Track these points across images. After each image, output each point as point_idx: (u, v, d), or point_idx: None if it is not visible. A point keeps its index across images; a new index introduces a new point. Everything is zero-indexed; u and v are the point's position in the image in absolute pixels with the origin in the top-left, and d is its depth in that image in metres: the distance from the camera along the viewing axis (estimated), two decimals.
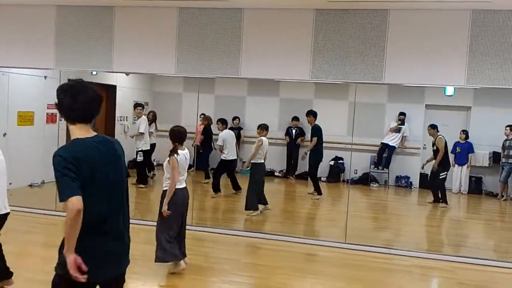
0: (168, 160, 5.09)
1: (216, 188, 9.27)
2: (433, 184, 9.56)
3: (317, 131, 9.44)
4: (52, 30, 7.15)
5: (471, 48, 6.02)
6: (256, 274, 5.39)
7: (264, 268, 5.59)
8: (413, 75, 6.20)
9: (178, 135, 5.25)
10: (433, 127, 9.55)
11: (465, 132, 10.51)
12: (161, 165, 11.33)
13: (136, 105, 10.10)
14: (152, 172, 10.73)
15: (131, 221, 2.87)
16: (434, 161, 9.42)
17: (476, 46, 6.01)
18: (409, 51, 6.17)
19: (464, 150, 10.44)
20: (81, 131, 2.64)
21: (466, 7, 5.95)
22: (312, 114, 9.58)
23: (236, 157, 9.43)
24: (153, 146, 10.44)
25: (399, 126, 11.15)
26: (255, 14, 6.55)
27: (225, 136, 9.16)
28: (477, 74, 6.02)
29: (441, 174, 9.30)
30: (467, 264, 6.07)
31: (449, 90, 10.15)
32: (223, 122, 9.64)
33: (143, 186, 9.83)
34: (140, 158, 9.60)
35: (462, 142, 10.46)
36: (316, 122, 9.54)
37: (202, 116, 10.74)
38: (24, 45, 7.25)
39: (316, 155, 9.54)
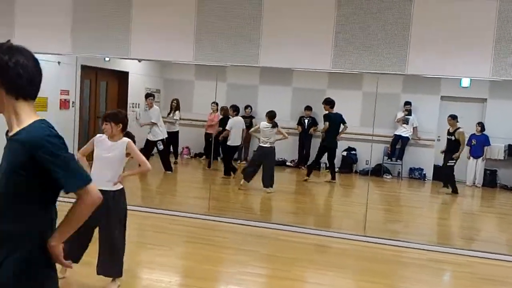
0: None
1: (229, 171, 9.84)
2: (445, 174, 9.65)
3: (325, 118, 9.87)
4: (70, 14, 7.03)
5: (497, 39, 5.88)
6: (274, 266, 5.33)
7: (282, 259, 5.53)
8: (437, 66, 6.07)
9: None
10: (454, 117, 9.59)
11: (480, 124, 10.39)
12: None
13: (148, 95, 10.07)
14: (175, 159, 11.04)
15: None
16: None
17: (503, 36, 5.86)
18: (433, 41, 6.02)
19: (479, 143, 10.33)
20: (34, 112, 2.06)
21: None
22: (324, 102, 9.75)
23: (239, 144, 9.88)
24: (176, 134, 10.57)
25: (406, 116, 11.02)
26: (275, 2, 6.42)
27: (232, 123, 9.62)
28: (503, 65, 5.88)
29: (450, 162, 9.54)
30: (483, 259, 6.00)
31: (465, 82, 10.00)
32: (234, 108, 10.02)
33: (170, 172, 10.13)
34: (160, 147, 9.73)
35: (477, 134, 10.34)
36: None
37: (213, 104, 10.68)
38: (40, 30, 7.12)
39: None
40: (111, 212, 4.13)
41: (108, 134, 4.18)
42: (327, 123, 9.81)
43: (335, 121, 9.72)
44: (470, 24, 5.94)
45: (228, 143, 9.65)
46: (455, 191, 9.55)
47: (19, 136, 1.97)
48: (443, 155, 9.78)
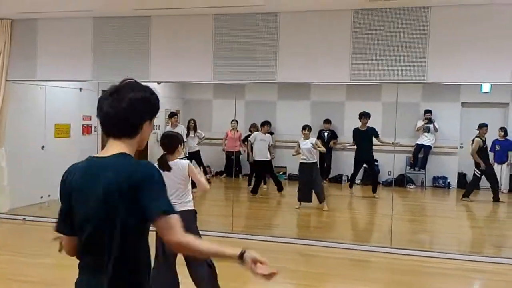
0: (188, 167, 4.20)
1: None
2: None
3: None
4: (89, 42, 7.19)
5: None
6: (305, 282, 5.29)
7: (311, 275, 5.49)
8: (456, 73, 6.05)
9: None
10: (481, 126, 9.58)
11: (503, 129, 10.23)
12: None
13: (172, 114, 10.19)
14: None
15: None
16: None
17: None
18: (452, 48, 6.00)
19: (503, 148, 10.16)
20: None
21: (510, 1, 5.78)
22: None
23: (263, 158, 9.69)
24: (197, 153, 10.59)
25: (426, 125, 10.90)
26: (291, 18, 6.48)
27: (251, 138, 9.93)
28: None
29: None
30: None
31: (486, 87, 9.89)
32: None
33: (194, 190, 10.01)
34: None
35: (501, 139, 10.18)
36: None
37: (233, 122, 10.74)
38: (62, 58, 7.31)
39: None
40: None
41: None
42: None
43: None
44: (488, 30, 5.91)
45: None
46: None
47: None
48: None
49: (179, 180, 4.10)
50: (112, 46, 7.11)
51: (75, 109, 8.96)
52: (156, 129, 10.84)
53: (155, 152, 10.52)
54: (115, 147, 1.97)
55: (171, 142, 4.17)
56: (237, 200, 9.68)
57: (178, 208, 4.04)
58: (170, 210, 1.89)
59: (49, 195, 8.09)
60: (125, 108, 1.95)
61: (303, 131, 8.67)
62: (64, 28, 7.33)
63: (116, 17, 7.04)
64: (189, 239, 1.91)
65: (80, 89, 8.73)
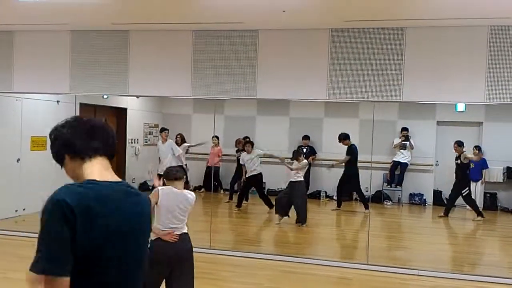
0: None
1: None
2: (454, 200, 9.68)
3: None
4: (67, 55, 7.14)
5: (490, 64, 5.98)
6: None
7: None
8: (432, 92, 6.16)
9: None
10: (460, 144, 9.63)
11: (478, 148, 10.43)
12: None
13: (163, 129, 10.13)
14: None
15: None
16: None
17: (495, 62, 5.97)
18: (427, 68, 6.13)
19: (478, 166, 10.35)
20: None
21: (483, 23, 5.93)
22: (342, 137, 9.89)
23: (251, 174, 9.61)
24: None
25: (403, 142, 11.04)
26: (270, 35, 6.54)
27: (241, 161, 9.90)
28: (497, 90, 5.97)
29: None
30: (489, 283, 5.93)
31: (460, 106, 10.10)
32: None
33: None
34: None
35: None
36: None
37: (214, 138, 10.75)
38: (39, 70, 7.24)
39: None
40: None
41: None
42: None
43: None
44: (463, 50, 6.05)
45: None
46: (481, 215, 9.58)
47: None
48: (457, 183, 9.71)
49: (185, 209, 4.41)
50: (90, 59, 7.07)
51: (52, 122, 8.68)
52: (134, 143, 10.79)
53: (132, 166, 10.49)
54: (112, 171, 1.84)
55: (181, 175, 4.35)
56: (216, 215, 9.63)
57: (182, 230, 4.43)
58: None
59: (24, 209, 7.95)
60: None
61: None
62: (41, 41, 7.27)
63: (94, 31, 7.02)
64: None
65: (58, 102, 8.64)
